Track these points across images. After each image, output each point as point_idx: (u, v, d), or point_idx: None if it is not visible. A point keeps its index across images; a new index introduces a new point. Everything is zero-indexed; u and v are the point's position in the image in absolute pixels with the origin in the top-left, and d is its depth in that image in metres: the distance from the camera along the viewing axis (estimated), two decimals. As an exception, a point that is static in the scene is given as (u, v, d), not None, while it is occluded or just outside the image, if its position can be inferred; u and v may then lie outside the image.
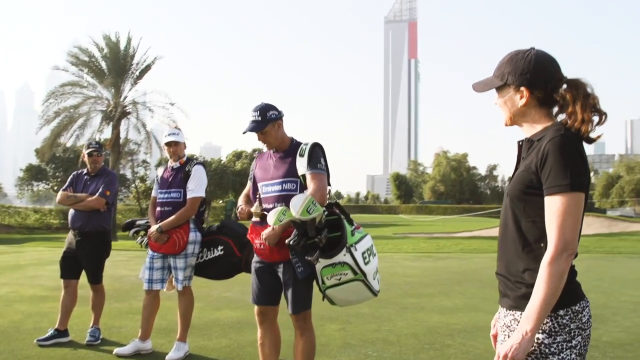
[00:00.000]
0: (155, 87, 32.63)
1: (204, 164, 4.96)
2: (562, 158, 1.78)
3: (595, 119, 1.88)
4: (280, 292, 3.57)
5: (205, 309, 6.65)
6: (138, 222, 5.01)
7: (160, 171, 4.96)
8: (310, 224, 3.09)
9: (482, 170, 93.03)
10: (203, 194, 4.76)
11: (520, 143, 2.02)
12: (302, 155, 3.46)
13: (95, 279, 5.31)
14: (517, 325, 1.87)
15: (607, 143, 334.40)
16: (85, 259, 5.24)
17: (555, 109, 1.97)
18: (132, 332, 5.42)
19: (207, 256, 4.72)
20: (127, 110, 28.65)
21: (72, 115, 28.17)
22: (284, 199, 3.36)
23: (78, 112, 28.29)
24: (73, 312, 5.38)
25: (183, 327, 4.78)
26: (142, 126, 29.48)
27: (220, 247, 4.66)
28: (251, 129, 3.49)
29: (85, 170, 5.48)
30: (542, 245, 1.84)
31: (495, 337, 2.17)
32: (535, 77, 1.92)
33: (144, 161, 42.83)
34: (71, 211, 5.32)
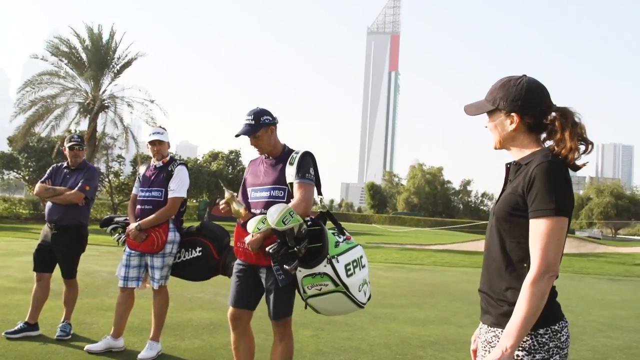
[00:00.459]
0: (135, 83, 32.25)
1: (187, 164, 4.93)
2: (548, 183, 1.83)
3: (582, 147, 1.94)
4: (260, 296, 3.57)
5: (178, 309, 6.60)
6: (116, 219, 4.96)
7: (142, 169, 4.92)
8: (289, 234, 3.09)
9: (457, 185, 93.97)
10: (184, 195, 4.74)
11: (508, 165, 2.08)
12: (291, 164, 3.47)
13: (70, 274, 5.23)
14: (497, 341, 1.91)
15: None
16: (60, 253, 5.17)
17: (543, 135, 2.03)
18: (104, 329, 5.36)
19: (184, 257, 4.69)
20: (106, 104, 28.34)
21: (49, 106, 27.74)
22: (271, 206, 3.33)
23: (55, 102, 27.87)
24: (44, 306, 5.29)
25: (157, 326, 4.73)
26: (119, 121, 29.16)
27: (198, 249, 4.64)
28: (244, 132, 3.49)
29: (65, 164, 5.41)
30: (525, 265, 1.89)
31: (475, 352, 2.21)
32: (526, 103, 1.97)
33: (119, 156, 42.26)
34: (48, 204, 5.24)
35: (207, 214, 47.00)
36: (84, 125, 28.39)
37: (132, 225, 4.64)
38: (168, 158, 4.85)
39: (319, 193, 3.57)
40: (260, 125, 3.50)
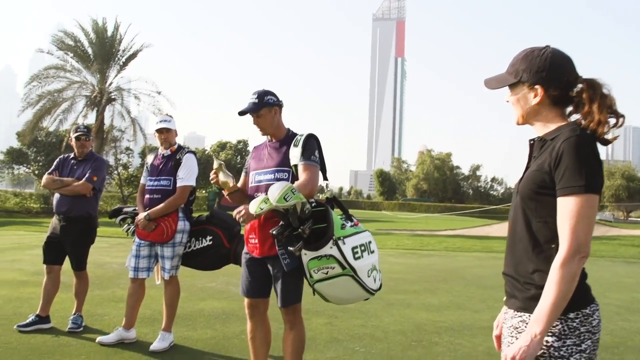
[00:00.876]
0: (141, 74, 32.26)
1: (195, 152, 4.85)
2: (577, 158, 1.73)
3: (612, 120, 1.83)
4: (271, 284, 3.50)
5: (190, 299, 6.56)
6: (125, 210, 4.91)
7: (150, 158, 4.85)
8: (292, 214, 2.99)
9: (466, 170, 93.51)
10: (193, 183, 4.67)
11: (532, 142, 1.97)
12: (296, 146, 3.41)
13: (79, 266, 5.18)
14: (525, 327, 1.82)
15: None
16: (69, 245, 5.12)
17: (569, 109, 1.92)
18: (115, 321, 5.32)
19: (195, 246, 4.63)
20: (112, 97, 28.28)
21: (56, 100, 27.73)
22: None
23: (62, 96, 27.86)
24: (55, 298, 5.26)
25: (168, 316, 4.68)
26: (126, 113, 29.15)
27: (209, 238, 4.57)
28: (247, 109, 3.45)
29: (72, 155, 5.34)
30: (552, 246, 1.79)
31: (498, 338, 2.12)
32: (551, 75, 1.87)
33: (128, 148, 42.40)
34: (56, 195, 5.19)
35: (216, 204, 46.93)
36: (91, 118, 28.38)
37: (141, 215, 4.58)
38: (176, 146, 4.77)
39: (325, 178, 3.48)
40: (264, 104, 3.46)
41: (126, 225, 4.84)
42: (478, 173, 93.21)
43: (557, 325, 1.76)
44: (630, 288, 8.95)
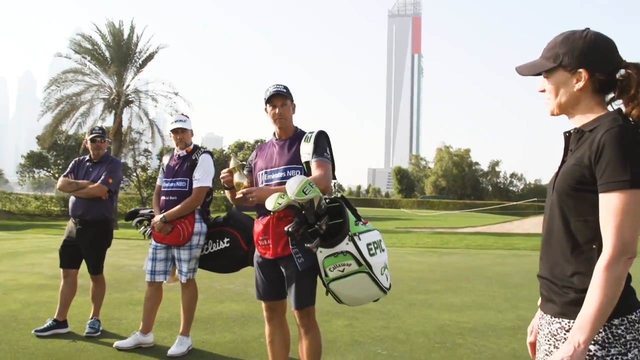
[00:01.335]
0: (158, 76, 32.43)
1: (211, 153, 4.76)
2: (620, 151, 1.58)
3: None
4: (274, 284, 3.43)
5: (208, 302, 6.48)
6: (141, 212, 4.83)
7: (166, 159, 4.78)
8: (309, 209, 2.90)
9: (485, 166, 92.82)
10: (210, 184, 4.58)
11: (567, 134, 1.83)
12: (307, 142, 3.35)
13: (96, 269, 5.13)
14: (564, 334, 1.68)
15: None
16: (85, 249, 5.07)
17: (609, 96, 1.77)
18: (133, 325, 5.26)
19: (212, 248, 4.54)
20: (130, 99, 28.47)
21: (74, 103, 27.97)
22: None
23: (80, 99, 28.10)
24: (72, 302, 5.21)
25: (186, 320, 4.61)
26: (144, 115, 29.30)
27: (226, 240, 4.48)
28: (278, 92, 3.39)
29: (87, 157, 5.29)
30: (594, 246, 1.66)
31: (533, 345, 1.99)
32: (596, 57, 1.72)
33: (146, 150, 42.71)
34: (72, 198, 5.14)
35: (234, 205, 47.07)
36: (109, 121, 28.59)
37: (157, 218, 4.50)
38: (192, 147, 4.69)
39: (333, 177, 3.41)
40: (291, 95, 3.45)
41: (142, 227, 4.77)
42: (497, 169, 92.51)
43: (601, 332, 1.62)
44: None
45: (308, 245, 2.94)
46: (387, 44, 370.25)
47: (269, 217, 3.28)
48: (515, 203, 55.40)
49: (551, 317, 1.76)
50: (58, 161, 43.97)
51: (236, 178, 3.31)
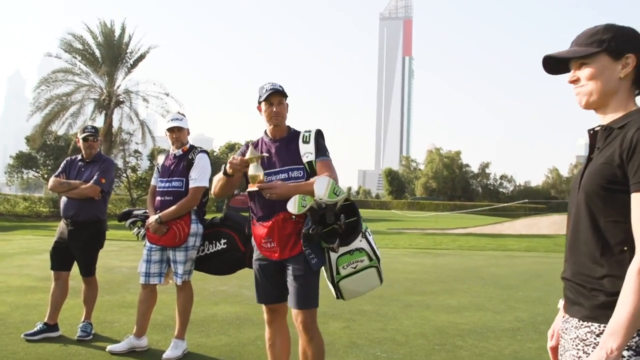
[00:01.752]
0: (149, 77, 32.23)
1: (208, 152, 4.65)
2: None
3: None
4: (276, 287, 3.34)
5: (202, 304, 6.36)
6: (135, 212, 4.71)
7: (161, 159, 4.65)
8: (330, 209, 2.91)
9: (475, 168, 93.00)
10: (207, 184, 4.45)
11: (591, 131, 1.75)
12: (307, 142, 3.29)
13: (88, 272, 4.99)
14: (595, 338, 1.59)
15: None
16: (77, 250, 4.93)
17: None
18: (126, 328, 5.13)
19: (208, 250, 4.42)
20: (121, 99, 28.26)
21: (64, 103, 27.75)
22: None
23: (70, 100, 27.87)
24: (63, 305, 5.07)
25: (181, 323, 4.48)
26: (135, 115, 29.09)
27: (223, 241, 4.36)
28: (276, 89, 3.30)
29: (79, 157, 5.15)
30: (625, 248, 1.57)
31: (554, 349, 1.90)
32: None
33: (136, 151, 42.41)
34: (63, 199, 5.00)
35: (225, 205, 46.96)
36: (100, 122, 28.36)
37: (152, 218, 4.37)
38: (188, 146, 4.57)
39: None
40: (286, 94, 3.36)
41: (136, 228, 4.65)
42: (487, 171, 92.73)
43: (635, 338, 1.52)
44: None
45: (331, 246, 2.95)
46: (378, 46, 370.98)
47: (273, 219, 3.20)
48: (505, 204, 55.49)
49: (579, 321, 1.67)
50: (47, 162, 43.53)
51: (252, 170, 3.12)
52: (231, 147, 51.50)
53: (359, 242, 3.04)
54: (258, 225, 3.31)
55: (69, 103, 27.85)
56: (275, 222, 3.20)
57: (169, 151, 4.64)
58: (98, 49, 28.47)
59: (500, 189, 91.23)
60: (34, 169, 45.59)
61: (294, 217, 3.09)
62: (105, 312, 5.86)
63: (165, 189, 4.44)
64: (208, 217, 4.64)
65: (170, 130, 4.49)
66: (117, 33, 28.87)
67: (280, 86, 3.34)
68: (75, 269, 5.06)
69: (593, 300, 1.62)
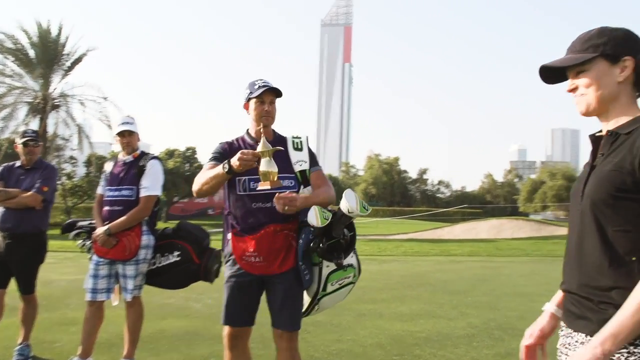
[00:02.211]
0: (87, 79, 31.14)
1: (160, 159, 4.38)
2: None
3: None
4: (257, 309, 3.12)
5: (148, 319, 5.90)
6: (80, 224, 4.37)
7: (109, 166, 4.33)
8: (341, 223, 2.80)
9: (413, 174, 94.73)
10: (159, 192, 4.19)
11: (592, 137, 1.67)
12: (299, 149, 3.10)
13: (28, 289, 4.59)
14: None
15: (529, 150, 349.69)
16: (16, 266, 4.52)
17: None
18: (68, 348, 4.76)
19: (160, 262, 4.14)
20: (56, 103, 27.07)
21: (-5, 106, 26.32)
22: (280, 197, 2.96)
23: (2, 102, 26.46)
24: (-2, 324, 4.66)
25: (131, 342, 4.19)
26: (71, 120, 27.96)
27: (176, 253, 4.09)
28: (271, 87, 3.08)
29: (18, 163, 4.75)
30: (634, 258, 1.49)
31: (530, 348, 1.81)
32: (638, 46, 1.60)
33: (72, 157, 40.92)
34: (0, 209, 4.58)
35: (164, 213, 46.00)
36: (33, 126, 27.04)
37: (100, 230, 4.05)
38: (139, 152, 4.28)
39: None
40: (280, 93, 3.14)
41: (81, 240, 4.32)
42: (425, 177, 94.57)
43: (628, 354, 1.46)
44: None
45: (338, 261, 2.83)
46: (319, 53, 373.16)
47: (262, 231, 2.96)
48: (444, 210, 56.76)
49: (586, 336, 1.57)
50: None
51: (264, 166, 2.74)
52: (170, 154, 50.47)
53: (350, 258, 2.94)
54: (241, 238, 3.03)
55: (0, 106, 26.46)
56: (264, 235, 2.96)
57: (118, 157, 4.34)
58: (32, 49, 27.20)
59: (438, 195, 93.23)
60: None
61: (312, 229, 2.86)
62: (45, 331, 5.43)
63: (114, 198, 4.13)
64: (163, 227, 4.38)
65: (121, 134, 4.20)
66: (53, 33, 27.68)
67: (271, 84, 3.12)
68: (11, 284, 4.66)
69: (602, 313, 1.52)
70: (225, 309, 3.09)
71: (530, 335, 1.82)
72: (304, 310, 3.07)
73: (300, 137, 3.16)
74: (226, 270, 3.15)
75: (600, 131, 1.67)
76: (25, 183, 4.56)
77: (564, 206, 61.08)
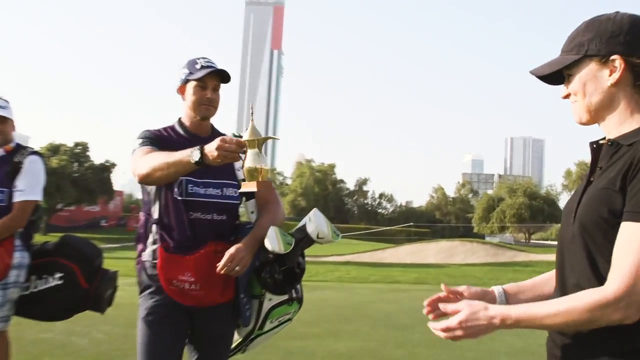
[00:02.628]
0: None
1: (41, 154, 4.15)
2: None
3: None
4: (183, 349, 2.97)
5: (17, 357, 5.73)
6: None
7: None
8: (302, 248, 2.80)
9: (351, 185, 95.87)
10: (39, 197, 3.97)
11: (594, 145, 1.67)
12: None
13: None
14: None
15: (486, 162, 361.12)
16: None
17: None
18: None
19: (36, 287, 3.92)
20: None
21: None
22: (226, 211, 2.90)
23: None
24: None
25: (-7, 388, 3.95)
26: None
27: (58, 275, 3.88)
28: (216, 70, 2.91)
29: None
30: None
31: (432, 301, 1.89)
32: (633, 40, 1.56)
33: None
34: None
35: (44, 224, 44.49)
36: None
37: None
38: (14, 145, 4.04)
39: None
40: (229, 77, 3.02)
41: None
42: (365, 188, 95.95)
43: None
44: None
45: (297, 296, 2.87)
46: (242, 36, 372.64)
47: (201, 251, 2.80)
48: (385, 228, 57.70)
49: None
50: None
51: (251, 160, 2.41)
52: (55, 149, 48.95)
53: (293, 291, 2.93)
54: (174, 256, 2.84)
55: None
56: (204, 255, 2.80)
57: None
58: None
59: (379, 210, 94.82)
60: None
61: (270, 255, 2.76)
62: None
63: (-21, 204, 3.88)
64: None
65: None
66: None
67: (221, 68, 2.95)
68: None
69: (590, 357, 1.55)
70: (145, 354, 2.85)
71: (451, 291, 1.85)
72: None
73: (242, 136, 3.04)
74: (144, 301, 2.93)
75: (604, 138, 1.66)
76: None
77: (525, 227, 63.38)
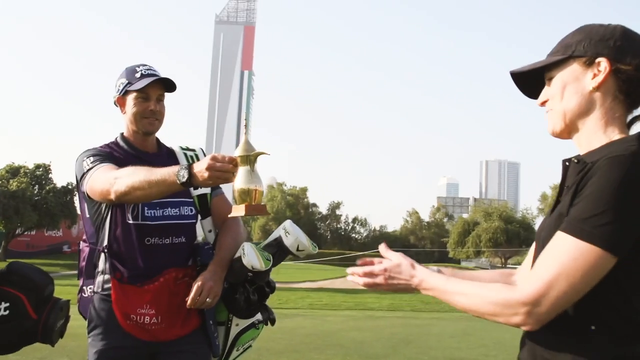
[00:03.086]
0: None
1: None
2: (610, 187, 1.36)
3: None
4: None
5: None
6: None
7: None
8: (274, 265, 2.70)
9: (324, 209, 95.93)
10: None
11: (566, 163, 1.59)
12: None
13: None
14: None
15: (461, 185, 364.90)
16: None
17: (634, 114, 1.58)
18: None
19: (-21, 318, 3.76)
20: None
21: None
22: (184, 232, 2.72)
23: None
24: None
25: None
26: None
27: (4, 305, 3.72)
28: (159, 78, 2.70)
29: None
30: (592, 327, 1.44)
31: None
32: (622, 46, 1.51)
33: None
34: None
35: (2, 249, 43.77)
36: None
37: None
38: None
39: None
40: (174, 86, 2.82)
41: None
42: (338, 212, 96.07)
43: None
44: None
45: (272, 316, 2.84)
46: (212, 56, 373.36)
47: (160, 279, 2.63)
48: (359, 253, 57.62)
49: None
50: None
51: (243, 180, 2.16)
52: (14, 171, 48.23)
53: (259, 314, 2.86)
54: (129, 288, 2.65)
55: None
56: (164, 284, 2.63)
57: None
58: None
59: (353, 234, 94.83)
60: None
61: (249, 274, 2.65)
62: None
63: None
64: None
65: None
66: None
67: (165, 77, 2.74)
68: None
69: None
70: None
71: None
72: None
73: (194, 150, 2.91)
74: (95, 340, 2.74)
75: (578, 155, 1.59)
76: None
77: (500, 252, 63.74)
